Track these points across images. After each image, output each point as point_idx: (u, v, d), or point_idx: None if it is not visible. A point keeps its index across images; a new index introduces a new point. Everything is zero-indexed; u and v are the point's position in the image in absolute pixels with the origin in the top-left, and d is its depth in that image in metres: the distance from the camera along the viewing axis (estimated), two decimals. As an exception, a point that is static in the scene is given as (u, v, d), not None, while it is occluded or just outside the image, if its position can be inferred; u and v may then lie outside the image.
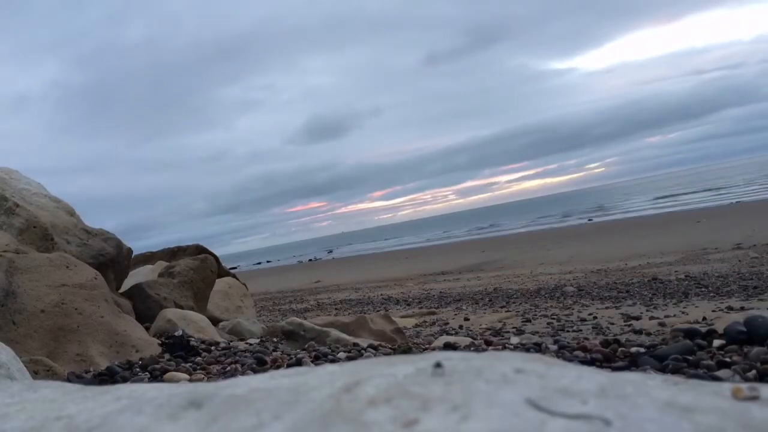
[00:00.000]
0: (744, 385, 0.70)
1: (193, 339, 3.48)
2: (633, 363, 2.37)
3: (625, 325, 5.08)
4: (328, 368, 0.84)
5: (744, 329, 2.46)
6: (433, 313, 7.80)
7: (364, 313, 7.64)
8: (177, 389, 0.85)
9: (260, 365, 2.90)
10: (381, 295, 11.59)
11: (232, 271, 7.36)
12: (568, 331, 5.02)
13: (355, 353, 3.23)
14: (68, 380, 2.46)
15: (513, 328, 5.58)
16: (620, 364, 2.40)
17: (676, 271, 9.44)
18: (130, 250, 4.47)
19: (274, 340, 4.03)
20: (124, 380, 2.57)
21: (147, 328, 3.74)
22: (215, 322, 4.73)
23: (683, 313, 5.47)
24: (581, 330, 5.05)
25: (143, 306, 4.26)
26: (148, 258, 6.66)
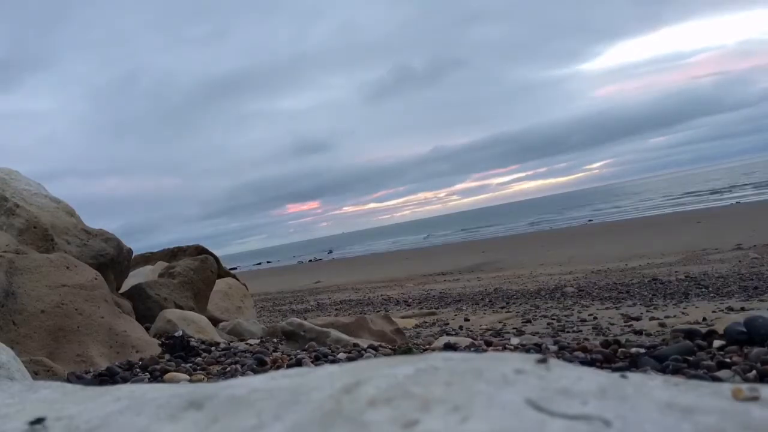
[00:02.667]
0: (744, 386, 0.70)
1: (193, 339, 3.48)
2: (633, 364, 2.37)
3: (625, 326, 5.07)
4: (329, 369, 0.84)
5: (744, 330, 2.46)
6: (433, 314, 7.80)
7: (364, 313, 7.64)
8: (177, 390, 0.85)
9: (260, 366, 2.90)
10: (381, 295, 11.59)
11: (232, 271, 7.36)
12: (568, 332, 5.02)
13: (355, 354, 3.23)
14: (68, 381, 2.46)
15: (513, 328, 5.57)
16: (620, 364, 2.39)
17: (676, 272, 9.44)
18: (130, 251, 4.47)
19: (274, 340, 4.03)
20: (124, 381, 2.57)
21: (147, 329, 3.74)
22: (215, 322, 4.73)
23: (683, 313, 5.47)
24: (581, 330, 5.05)
25: (143, 306, 4.26)
26: (148, 258, 6.66)
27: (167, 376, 2.67)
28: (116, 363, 2.91)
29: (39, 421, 0.79)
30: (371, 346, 3.60)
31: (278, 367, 2.84)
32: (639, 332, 4.49)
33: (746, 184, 42.18)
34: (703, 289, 7.19)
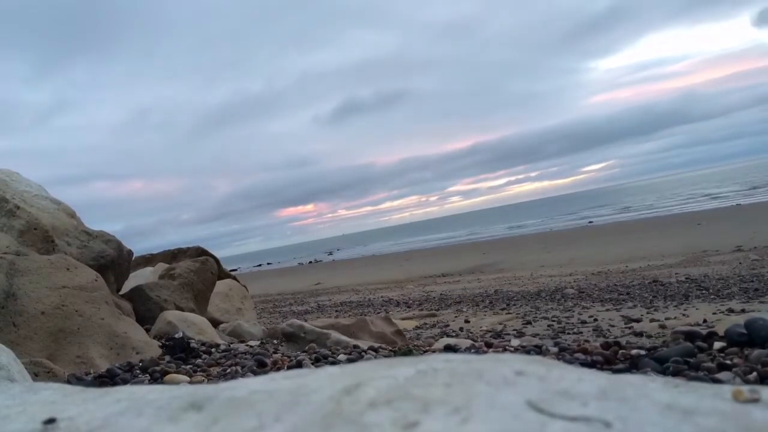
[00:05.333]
0: (745, 388, 0.70)
1: (193, 341, 3.48)
2: (634, 365, 2.36)
3: (625, 327, 5.07)
4: (329, 370, 0.84)
5: (745, 331, 2.46)
6: (434, 315, 7.79)
7: (365, 315, 7.63)
8: (177, 391, 0.85)
9: (260, 367, 2.89)
10: (381, 297, 11.58)
11: (232, 273, 7.36)
12: (568, 333, 5.02)
13: (356, 355, 3.23)
14: (68, 382, 2.46)
15: (513, 330, 5.57)
16: (621, 366, 2.39)
17: (676, 274, 9.43)
18: (130, 252, 4.47)
19: (275, 342, 4.03)
20: (125, 382, 2.56)
21: (147, 330, 3.74)
22: (215, 323, 4.73)
23: (684, 315, 5.47)
24: (582, 332, 5.05)
25: (144, 308, 4.25)
26: (148, 260, 6.66)
27: (167, 377, 2.66)
28: (116, 364, 2.91)
29: (51, 421, 0.82)
30: (371, 348, 3.60)
31: (278, 369, 2.84)
32: (639, 334, 4.49)
33: (747, 186, 42.18)
34: (704, 291, 7.18)
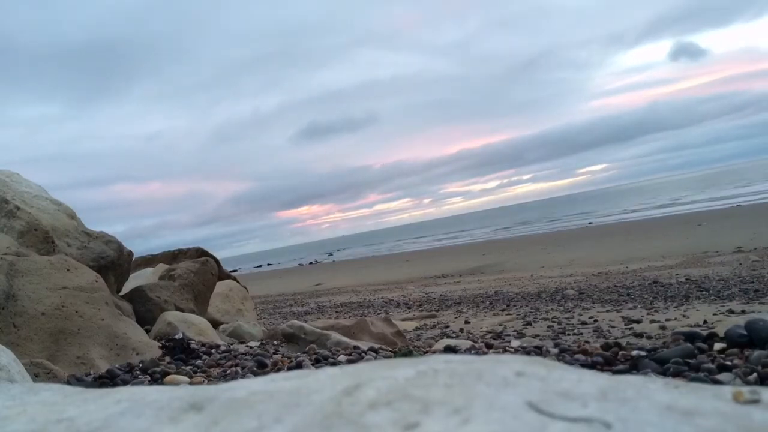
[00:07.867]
0: (745, 389, 0.70)
1: (193, 342, 3.48)
2: (634, 366, 2.36)
3: (625, 329, 5.07)
4: (329, 371, 0.84)
5: (745, 332, 2.46)
6: (434, 316, 7.79)
7: (365, 316, 7.63)
8: (178, 392, 0.85)
9: (261, 368, 2.89)
10: (381, 298, 11.58)
11: (232, 273, 7.36)
12: (568, 334, 5.01)
13: (356, 356, 3.23)
14: (68, 383, 2.46)
15: (514, 331, 5.57)
16: (621, 367, 2.39)
17: (677, 275, 9.43)
18: (130, 253, 4.47)
19: (275, 343, 4.03)
20: (125, 383, 2.56)
21: (147, 331, 3.74)
22: (216, 324, 4.72)
23: (684, 316, 5.47)
24: (582, 333, 5.04)
25: (144, 309, 4.25)
26: (149, 261, 6.66)
27: (167, 378, 2.66)
28: (116, 365, 2.91)
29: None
30: (372, 349, 3.60)
31: (279, 370, 2.84)
32: (640, 335, 4.49)
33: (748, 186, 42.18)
34: (704, 292, 7.18)
